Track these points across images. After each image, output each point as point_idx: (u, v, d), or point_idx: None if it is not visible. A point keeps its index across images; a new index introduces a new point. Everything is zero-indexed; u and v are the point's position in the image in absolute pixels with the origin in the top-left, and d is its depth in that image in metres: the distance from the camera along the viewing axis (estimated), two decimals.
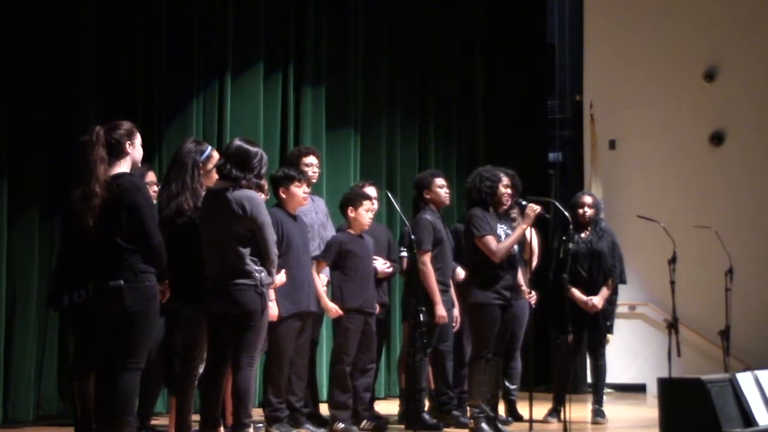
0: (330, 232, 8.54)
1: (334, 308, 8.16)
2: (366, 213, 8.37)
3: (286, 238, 7.79)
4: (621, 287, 9.80)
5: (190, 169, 6.88)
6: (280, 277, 7.41)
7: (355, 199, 8.44)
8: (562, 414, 9.13)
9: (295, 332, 7.85)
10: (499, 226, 8.08)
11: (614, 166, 13.55)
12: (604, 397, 9.62)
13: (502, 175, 8.28)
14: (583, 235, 9.39)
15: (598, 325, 9.34)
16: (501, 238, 8.00)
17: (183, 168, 6.89)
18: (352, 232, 8.38)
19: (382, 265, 8.67)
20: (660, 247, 10.39)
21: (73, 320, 7.23)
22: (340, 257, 8.26)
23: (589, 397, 9.57)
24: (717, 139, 13.37)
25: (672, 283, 9.78)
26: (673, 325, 9.81)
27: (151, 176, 7.70)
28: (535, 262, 9.51)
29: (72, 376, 7.23)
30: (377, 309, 8.45)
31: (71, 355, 8.35)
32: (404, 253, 8.78)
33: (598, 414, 9.30)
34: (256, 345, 6.65)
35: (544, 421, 9.22)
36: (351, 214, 8.40)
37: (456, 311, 8.76)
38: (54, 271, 7.73)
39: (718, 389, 6.96)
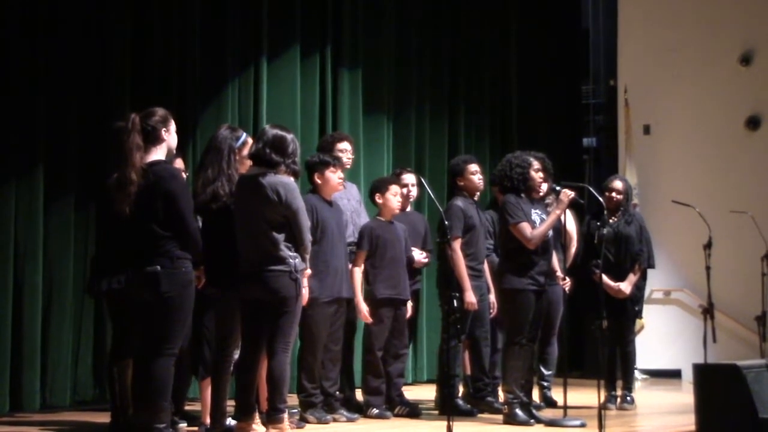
0: (364, 218, 8.54)
1: (365, 311, 8.17)
2: (393, 198, 8.37)
3: (321, 224, 7.80)
4: (656, 272, 9.74)
5: (227, 155, 6.91)
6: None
7: (382, 185, 8.46)
8: (618, 400, 9.14)
9: (329, 318, 7.87)
10: (533, 211, 8.04)
11: (649, 151, 13.48)
12: (638, 383, 9.54)
13: (531, 159, 8.22)
14: (611, 220, 9.29)
15: (626, 311, 9.22)
16: (536, 224, 7.96)
17: (219, 154, 6.91)
18: (382, 218, 8.40)
19: (419, 255, 8.67)
20: (695, 232, 10.35)
21: (112, 307, 7.26)
22: (371, 244, 8.28)
23: (620, 384, 9.42)
24: (753, 123, 13.25)
25: (707, 268, 9.74)
26: (708, 311, 9.78)
27: (179, 163, 7.66)
28: (574, 248, 9.40)
29: (111, 362, 7.26)
30: (410, 297, 8.46)
31: (107, 341, 8.40)
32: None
33: (625, 401, 9.24)
34: (291, 331, 6.65)
35: (603, 408, 8.99)
36: (379, 200, 8.41)
37: (492, 297, 8.74)
38: (92, 258, 7.77)
39: (754, 375, 6.94)
